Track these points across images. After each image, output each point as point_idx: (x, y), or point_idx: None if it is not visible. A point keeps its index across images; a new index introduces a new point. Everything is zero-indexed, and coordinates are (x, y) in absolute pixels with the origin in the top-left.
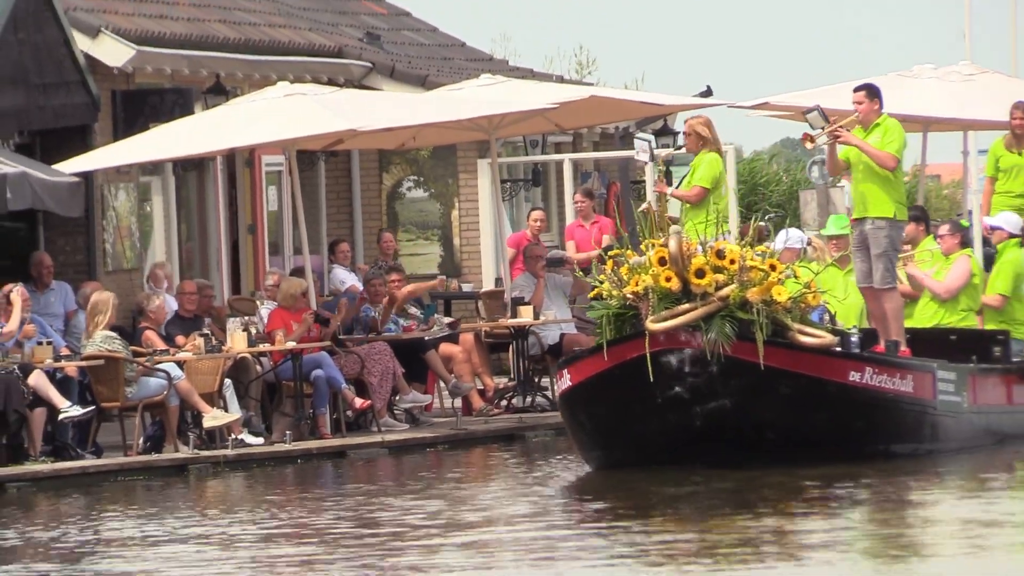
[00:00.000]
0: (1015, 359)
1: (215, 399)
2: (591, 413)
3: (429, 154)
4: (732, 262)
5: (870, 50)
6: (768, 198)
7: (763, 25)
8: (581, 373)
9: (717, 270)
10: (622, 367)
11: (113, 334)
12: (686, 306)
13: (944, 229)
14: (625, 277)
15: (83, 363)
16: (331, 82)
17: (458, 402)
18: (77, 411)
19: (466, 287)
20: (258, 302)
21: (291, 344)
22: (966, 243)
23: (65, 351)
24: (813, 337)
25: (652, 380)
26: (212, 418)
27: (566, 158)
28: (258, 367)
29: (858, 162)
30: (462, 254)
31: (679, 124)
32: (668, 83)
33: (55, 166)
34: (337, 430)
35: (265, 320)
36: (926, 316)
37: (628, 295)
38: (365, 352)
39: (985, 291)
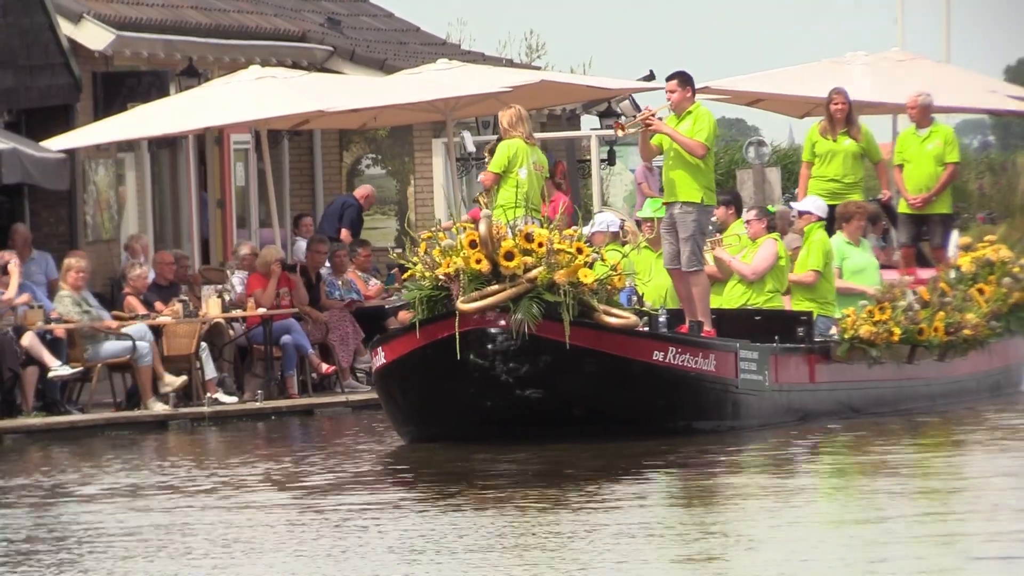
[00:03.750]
0: (819, 338)
1: (192, 360)
2: (404, 389)
3: (387, 134)
4: (540, 245)
5: (807, 37)
6: None
7: (704, 12)
8: (395, 351)
9: (526, 253)
10: (433, 346)
11: (68, 293)
12: (495, 287)
13: (751, 214)
14: (438, 259)
15: (68, 325)
16: (295, 65)
17: None
18: (66, 370)
19: None
20: (228, 271)
21: (262, 311)
22: (772, 228)
23: (55, 314)
24: (617, 318)
25: (460, 358)
26: (166, 384)
27: None
28: (231, 331)
29: (669, 149)
30: (417, 228)
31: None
32: (613, 68)
33: (42, 143)
34: (304, 391)
35: (236, 288)
36: (733, 297)
37: (440, 276)
38: (328, 318)
39: (794, 270)
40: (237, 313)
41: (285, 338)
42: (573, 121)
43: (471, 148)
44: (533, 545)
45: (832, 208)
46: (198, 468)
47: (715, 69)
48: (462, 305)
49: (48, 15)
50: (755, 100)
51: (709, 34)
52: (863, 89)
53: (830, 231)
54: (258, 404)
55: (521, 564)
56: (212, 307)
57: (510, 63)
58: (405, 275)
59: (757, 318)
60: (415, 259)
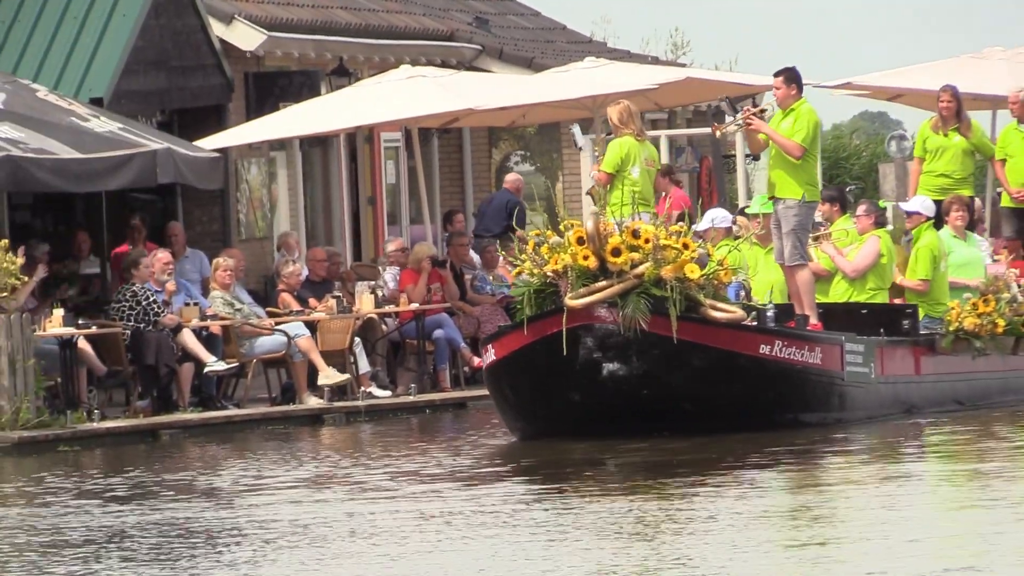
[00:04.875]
0: (924, 331)
1: (346, 356)
2: (514, 386)
3: (535, 131)
4: (647, 241)
5: (946, 32)
6: (849, 171)
7: (847, 8)
8: (504, 348)
9: (633, 249)
10: (542, 342)
11: (219, 293)
12: (603, 283)
13: (861, 209)
14: (546, 256)
15: (223, 322)
16: (444, 64)
17: None
18: (221, 366)
19: None
20: (380, 267)
21: (415, 306)
22: (880, 223)
23: (210, 312)
24: (724, 312)
25: (568, 354)
26: (326, 377)
27: (662, 134)
28: (384, 326)
29: (771, 146)
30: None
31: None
32: (758, 64)
33: (195, 143)
34: (456, 384)
35: (388, 284)
36: (837, 293)
37: (548, 273)
38: (480, 313)
39: (906, 275)
40: (390, 308)
41: (437, 332)
42: (719, 117)
43: (581, 143)
44: (654, 532)
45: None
46: (352, 461)
47: (857, 65)
48: (570, 301)
49: (200, 17)
50: (895, 96)
51: (852, 30)
52: (1002, 84)
53: (939, 226)
54: (411, 398)
55: (649, 549)
56: (365, 303)
57: (655, 60)
58: (514, 272)
59: (863, 312)
60: (524, 256)
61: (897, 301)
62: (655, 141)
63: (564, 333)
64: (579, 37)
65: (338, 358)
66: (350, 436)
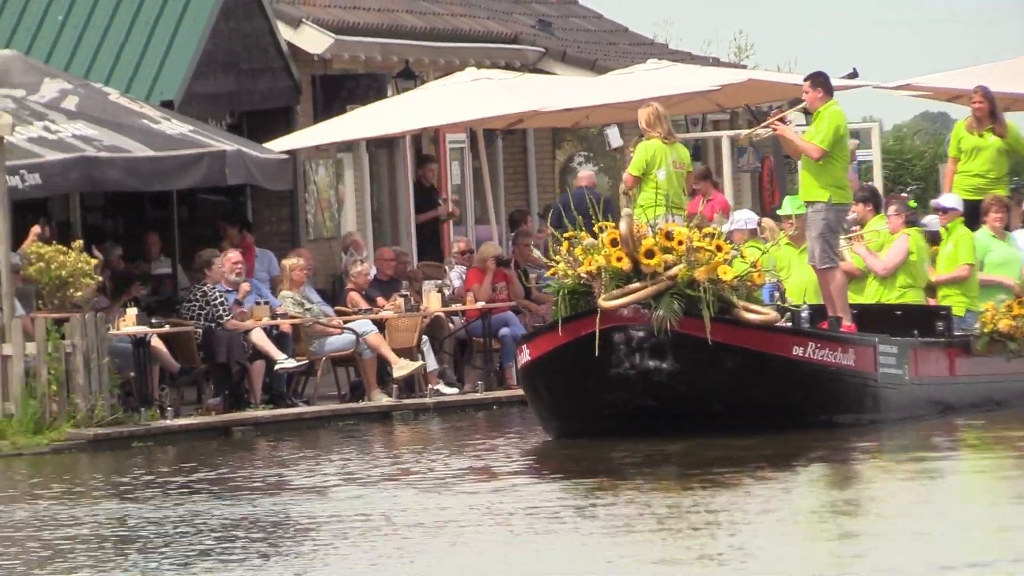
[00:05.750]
0: (960, 332)
1: (413, 353)
2: (548, 386)
3: (598, 131)
4: (680, 243)
5: (1005, 33)
6: (911, 171)
7: (908, 9)
8: (539, 348)
9: (666, 251)
10: (576, 342)
11: (289, 293)
12: (637, 284)
13: (892, 209)
14: (580, 257)
15: (293, 321)
16: (508, 66)
17: None
18: (291, 363)
19: None
20: (446, 267)
21: (481, 304)
22: (911, 223)
23: (280, 310)
24: (757, 314)
25: (600, 355)
26: (400, 368)
27: (724, 135)
28: (451, 325)
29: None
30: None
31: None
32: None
33: (264, 144)
34: None
35: (455, 282)
36: (870, 293)
37: (582, 274)
38: (546, 311)
39: (945, 267)
40: (457, 307)
41: (503, 330)
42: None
43: (616, 144)
44: (697, 526)
45: (977, 204)
46: (420, 457)
47: (919, 66)
48: (604, 302)
49: (268, 20)
50: (955, 96)
51: (913, 32)
52: None
53: (974, 226)
54: (478, 395)
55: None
56: (432, 302)
57: (716, 62)
58: (548, 273)
59: (897, 313)
60: (558, 258)
61: (931, 301)
62: (717, 142)
63: (597, 334)
64: (641, 39)
65: (406, 356)
66: (419, 432)
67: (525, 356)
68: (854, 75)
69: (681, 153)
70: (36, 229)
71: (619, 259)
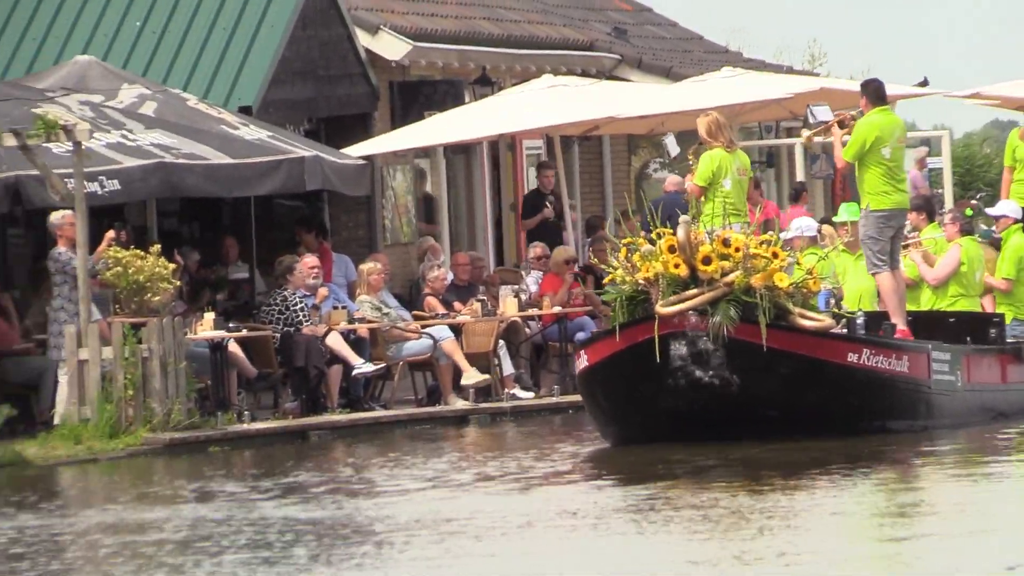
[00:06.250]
0: (1012, 339)
1: (490, 358)
2: (606, 392)
3: (658, 141)
4: (737, 250)
5: None
6: (982, 178)
7: (982, 19)
8: (597, 354)
9: (723, 257)
10: (634, 348)
11: (367, 298)
12: (694, 291)
13: (947, 218)
14: (638, 264)
15: (370, 325)
16: (584, 73)
17: None
18: (369, 368)
19: None
20: (522, 272)
21: (557, 309)
22: (967, 231)
23: (357, 315)
24: (813, 320)
25: (659, 360)
26: (469, 376)
27: (796, 142)
28: (527, 329)
29: None
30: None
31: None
32: (891, 74)
33: (342, 150)
34: None
35: (531, 287)
36: (924, 300)
37: (640, 281)
38: None
39: (993, 275)
40: (533, 312)
41: (579, 335)
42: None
43: (674, 153)
44: (771, 527)
45: None
46: (494, 460)
47: (991, 74)
48: (661, 308)
49: (346, 27)
50: (1022, 105)
51: (986, 40)
52: None
53: None
54: (554, 399)
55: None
56: (509, 306)
57: (790, 70)
58: (606, 279)
59: (951, 320)
60: (615, 264)
61: (986, 302)
62: (790, 149)
63: (656, 340)
64: (715, 47)
65: (483, 360)
66: (496, 436)
67: (583, 362)
68: (925, 83)
69: (743, 160)
70: (111, 234)
71: (676, 265)
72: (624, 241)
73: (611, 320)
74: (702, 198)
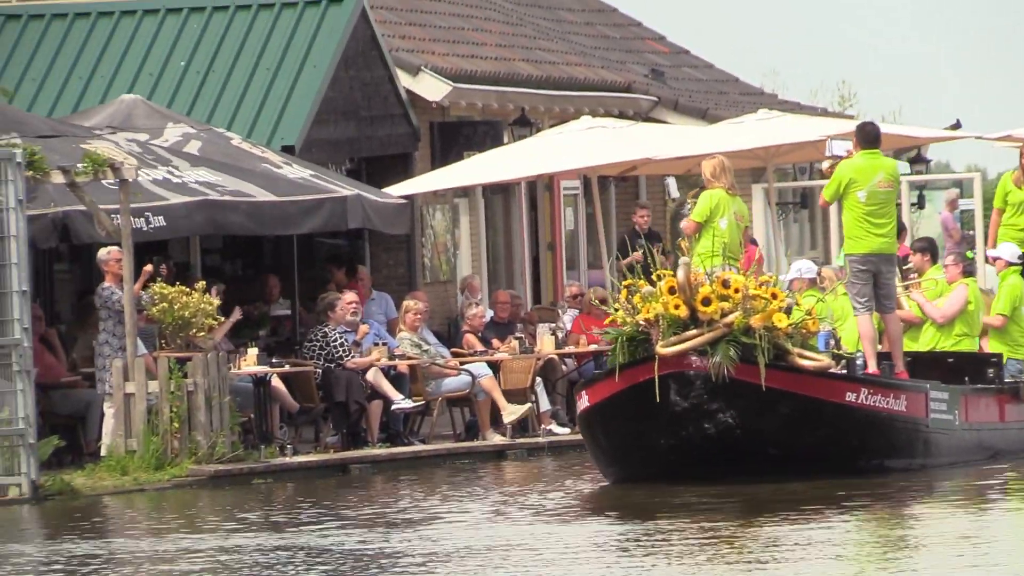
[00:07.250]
0: (1010, 379)
1: (527, 394)
2: (606, 431)
3: (659, 180)
4: (736, 291)
5: None
6: None
7: (1014, 61)
8: (597, 394)
9: (723, 298)
10: (634, 388)
11: (407, 335)
12: (694, 332)
13: (949, 259)
14: (638, 305)
15: (410, 362)
16: (622, 115)
17: None
18: (408, 404)
19: None
20: (559, 310)
21: (593, 347)
22: (969, 273)
23: (398, 351)
24: (811, 360)
25: (659, 401)
26: (510, 412)
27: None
28: (563, 366)
29: None
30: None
31: (931, 153)
32: (921, 116)
33: (383, 189)
34: None
35: (566, 326)
36: (926, 339)
37: (640, 321)
38: None
39: (988, 313)
40: (569, 350)
41: None
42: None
43: (674, 194)
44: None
45: None
46: (529, 494)
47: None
48: (661, 349)
49: (388, 68)
50: None
51: (1018, 83)
52: None
53: None
54: None
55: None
56: (546, 344)
57: (824, 112)
58: (607, 320)
59: (950, 360)
60: (616, 305)
61: (983, 342)
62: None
63: (656, 380)
64: (751, 89)
65: (520, 396)
66: (533, 470)
67: (584, 402)
68: (958, 126)
69: (741, 207)
70: (148, 268)
71: (676, 306)
72: (624, 283)
73: (610, 361)
74: (695, 236)
